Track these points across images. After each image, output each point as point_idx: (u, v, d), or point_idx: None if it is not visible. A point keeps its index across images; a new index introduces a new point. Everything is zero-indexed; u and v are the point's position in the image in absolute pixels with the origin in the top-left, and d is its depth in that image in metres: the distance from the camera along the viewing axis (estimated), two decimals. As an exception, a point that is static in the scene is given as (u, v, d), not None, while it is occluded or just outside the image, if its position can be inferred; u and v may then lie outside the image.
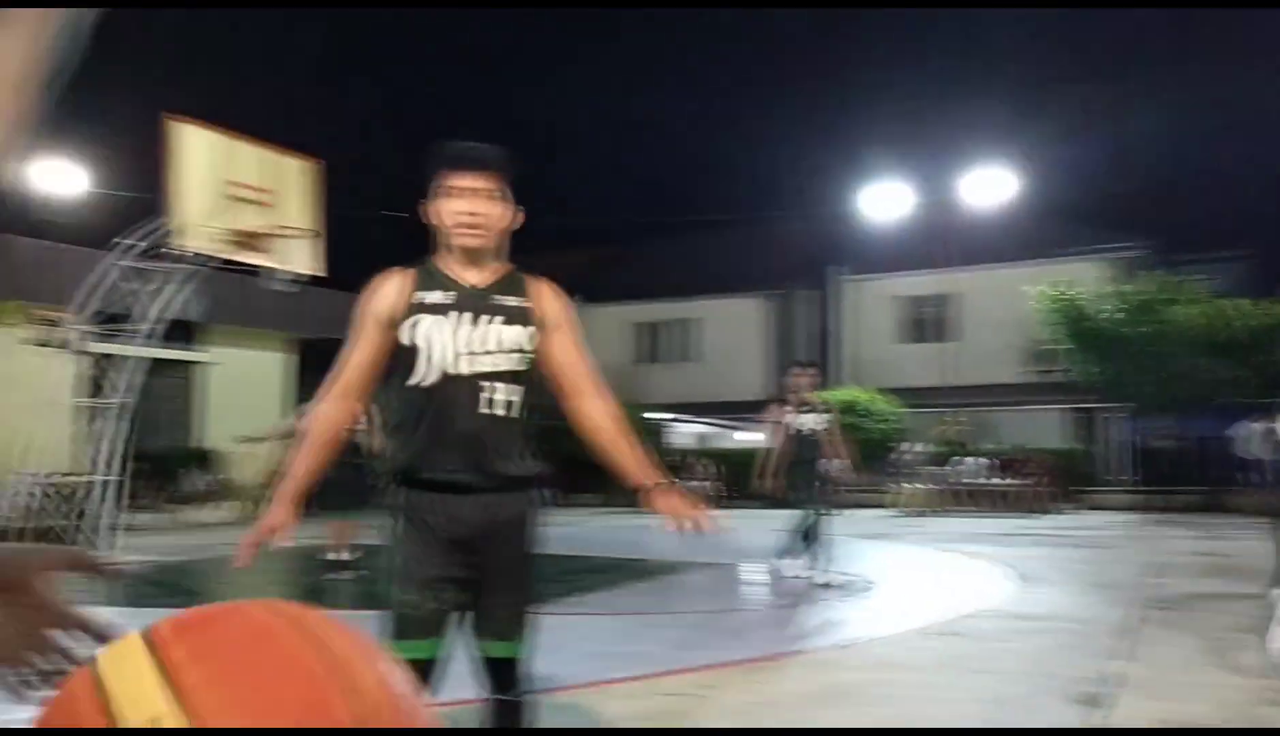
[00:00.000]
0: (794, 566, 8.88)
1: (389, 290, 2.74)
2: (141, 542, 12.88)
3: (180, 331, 20.01)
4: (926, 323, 28.78)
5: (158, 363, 19.10)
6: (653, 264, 33.45)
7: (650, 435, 26.28)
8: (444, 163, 2.76)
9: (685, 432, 29.58)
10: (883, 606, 7.67)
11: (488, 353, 2.67)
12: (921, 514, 19.30)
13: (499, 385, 2.67)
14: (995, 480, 20.80)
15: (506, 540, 2.74)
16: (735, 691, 4.81)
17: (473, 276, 2.75)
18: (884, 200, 25.65)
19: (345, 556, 9.40)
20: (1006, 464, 20.99)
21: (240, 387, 19.86)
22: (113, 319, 12.60)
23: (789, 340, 30.24)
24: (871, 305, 29.25)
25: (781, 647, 5.91)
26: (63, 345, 12.58)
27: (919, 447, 21.76)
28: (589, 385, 2.89)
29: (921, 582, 9.11)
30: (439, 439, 2.65)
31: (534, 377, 2.76)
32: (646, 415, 26.74)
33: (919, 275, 27.56)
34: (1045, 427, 24.22)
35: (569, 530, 16.19)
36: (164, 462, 20.38)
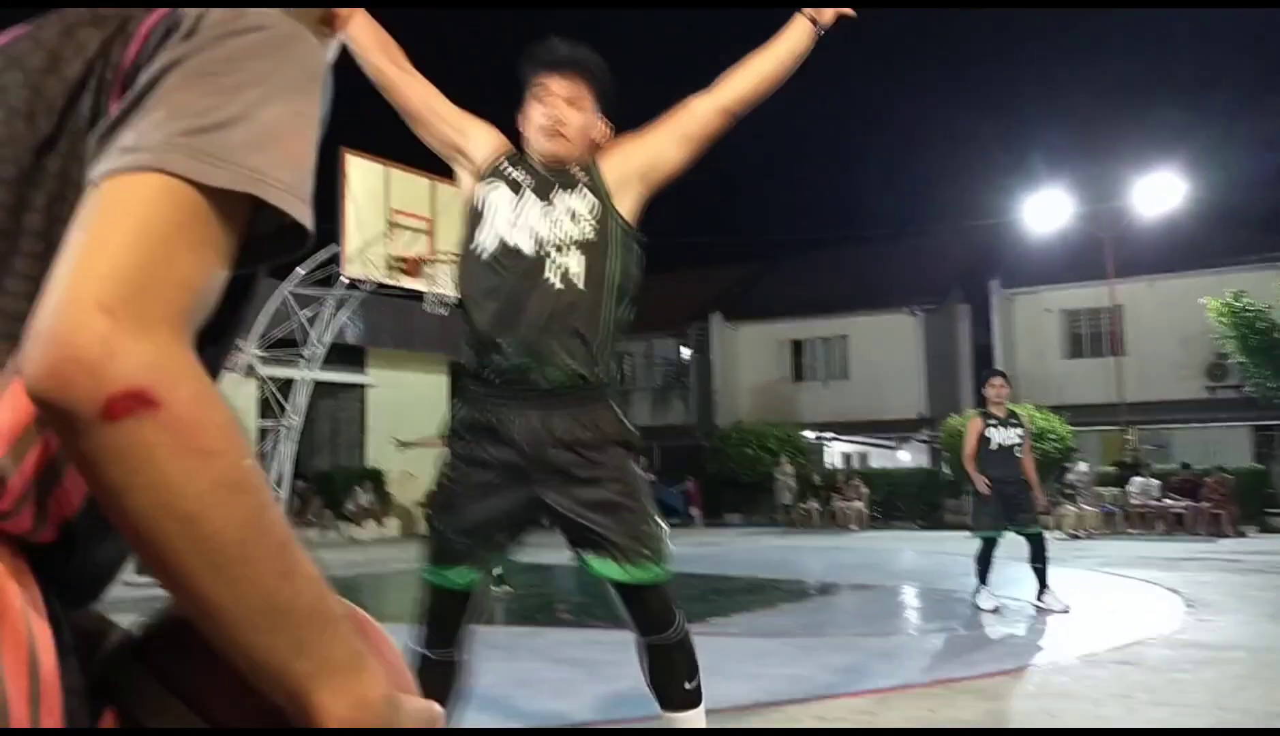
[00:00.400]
0: (991, 598, 8.32)
1: (491, 137, 2.71)
2: (310, 558, 13.45)
3: (349, 355, 20.86)
4: (1092, 336, 27.66)
5: (326, 386, 19.93)
6: (798, 280, 33.17)
7: (802, 454, 26.03)
8: (533, 64, 2.66)
9: (839, 452, 29.15)
10: (1048, 632, 7.38)
11: (554, 225, 2.53)
12: (1089, 536, 18.49)
13: (563, 258, 2.50)
14: (1167, 501, 19.78)
15: (595, 454, 2.52)
16: (895, 717, 4.70)
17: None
18: (1045, 210, 24.79)
19: None
20: (1180, 484, 19.92)
21: (403, 409, 20.51)
22: (282, 344, 13.23)
23: (947, 356, 29.51)
24: (1033, 319, 28.27)
25: (942, 674, 5.74)
26: (238, 369, 13.27)
27: (1085, 468, 20.87)
28: (691, 103, 2.72)
29: (1088, 608, 8.72)
30: (499, 318, 2.48)
31: (611, 255, 2.56)
32: (802, 434, 26.51)
33: (1083, 287, 26.51)
34: (1223, 446, 22.93)
35: (715, 550, 16.17)
36: (331, 481, 21.25)
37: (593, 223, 2.55)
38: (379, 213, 11.73)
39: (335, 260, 11.71)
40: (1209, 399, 25.32)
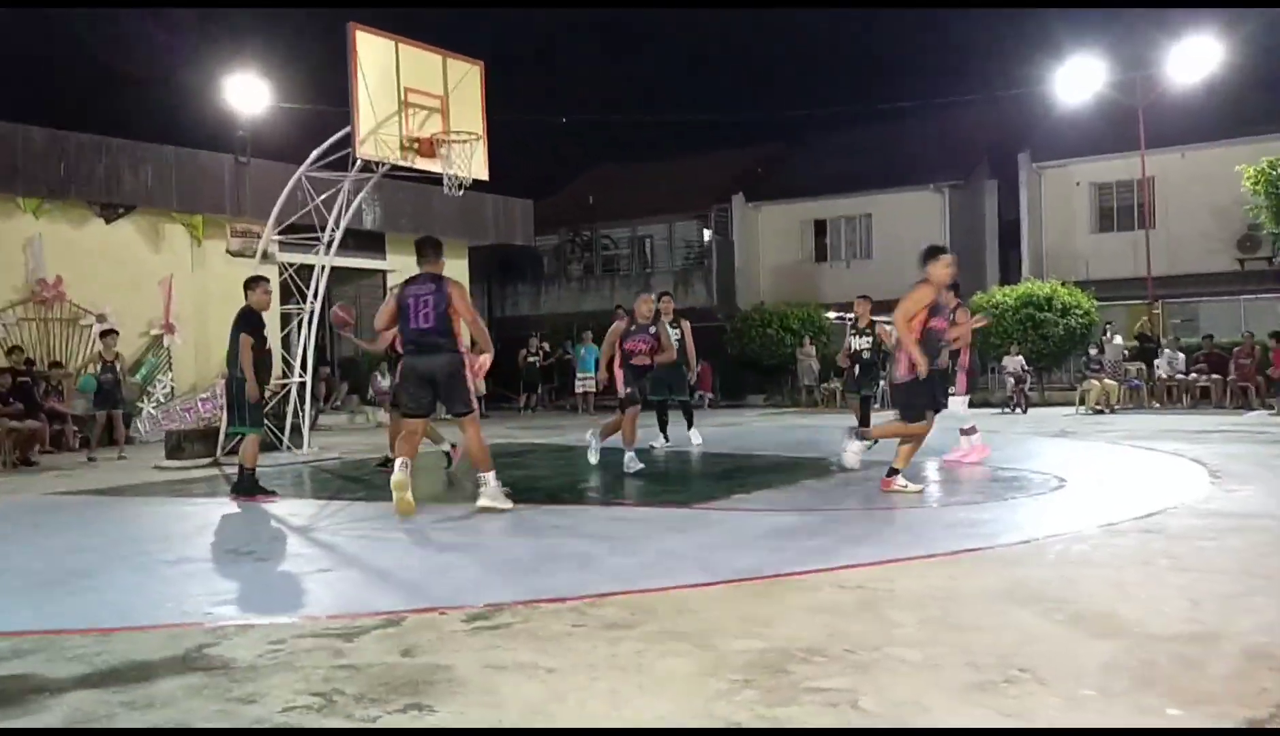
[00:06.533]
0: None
1: None
2: (330, 441, 13.55)
3: (369, 241, 20.75)
4: (1121, 210, 27.17)
5: (346, 271, 19.85)
6: (822, 159, 32.58)
7: (825, 334, 25.88)
8: None
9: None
10: (1068, 504, 7.37)
11: None
12: (1112, 411, 18.44)
13: None
14: (1192, 375, 19.64)
15: None
16: (915, 586, 4.70)
17: None
18: (1075, 79, 23.98)
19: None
20: (1206, 358, 19.75)
21: (422, 294, 20.40)
22: (299, 229, 13.10)
23: (974, 233, 29.12)
24: (1062, 193, 27.76)
25: (965, 544, 5.75)
26: (257, 256, 13.19)
27: (1120, 341, 20.66)
28: None
29: (1109, 480, 8.71)
30: None
31: None
32: (825, 314, 26.35)
33: (1114, 159, 25.99)
34: (1253, 319, 22.60)
35: (737, 430, 16.23)
36: (355, 367, 21.37)
37: None
38: (391, 92, 11.44)
39: (349, 141, 11.46)
40: (1240, 272, 24.92)
